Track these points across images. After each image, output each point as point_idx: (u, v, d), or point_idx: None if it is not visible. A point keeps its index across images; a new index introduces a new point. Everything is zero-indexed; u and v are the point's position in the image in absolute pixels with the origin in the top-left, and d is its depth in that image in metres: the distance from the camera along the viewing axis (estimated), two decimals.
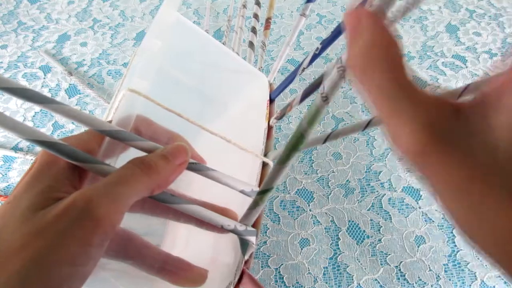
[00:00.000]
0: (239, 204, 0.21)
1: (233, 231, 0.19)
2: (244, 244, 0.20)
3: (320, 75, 0.22)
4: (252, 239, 0.19)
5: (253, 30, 0.32)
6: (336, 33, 0.21)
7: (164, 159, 0.18)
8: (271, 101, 0.30)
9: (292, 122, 0.52)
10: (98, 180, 0.18)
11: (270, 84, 0.32)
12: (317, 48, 0.23)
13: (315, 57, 0.23)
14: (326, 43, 0.22)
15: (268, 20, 0.30)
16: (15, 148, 0.49)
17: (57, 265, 0.14)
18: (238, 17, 0.43)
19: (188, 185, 0.22)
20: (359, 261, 0.41)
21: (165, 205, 0.18)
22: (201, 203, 0.20)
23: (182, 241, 0.27)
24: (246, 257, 0.20)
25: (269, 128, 0.28)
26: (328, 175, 0.47)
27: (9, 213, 0.16)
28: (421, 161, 0.11)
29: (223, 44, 0.49)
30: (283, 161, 0.17)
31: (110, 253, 0.19)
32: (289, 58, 0.61)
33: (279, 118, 0.26)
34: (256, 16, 0.33)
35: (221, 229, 0.20)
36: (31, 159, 0.48)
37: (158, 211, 0.21)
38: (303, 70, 0.25)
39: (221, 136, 0.22)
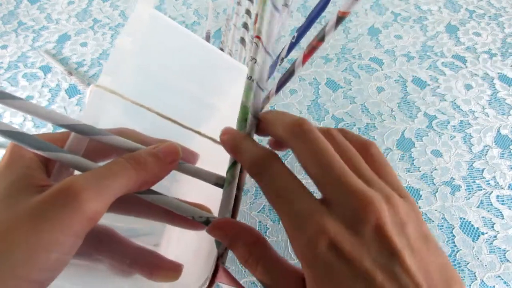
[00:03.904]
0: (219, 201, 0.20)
1: (206, 223, 0.19)
2: None
3: (292, 63, 0.22)
4: None
5: (245, 26, 0.32)
6: (311, 20, 0.21)
7: (154, 157, 0.18)
8: None
9: None
10: (64, 171, 0.18)
11: None
12: (293, 36, 0.23)
13: (292, 46, 0.24)
14: (302, 31, 0.22)
15: (256, 16, 0.30)
16: None
17: (44, 251, 0.14)
18: (233, 14, 0.43)
19: (164, 186, 0.22)
20: None
21: (135, 199, 0.18)
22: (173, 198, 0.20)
23: (175, 238, 0.26)
24: (220, 251, 0.20)
25: None
26: None
27: None
28: None
29: (222, 43, 0.49)
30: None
31: (82, 247, 0.19)
32: (289, 58, 0.61)
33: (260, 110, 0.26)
34: (248, 12, 0.33)
35: (194, 223, 0.19)
36: None
37: (130, 208, 0.21)
38: (282, 60, 0.25)
39: (192, 128, 0.22)
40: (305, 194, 0.16)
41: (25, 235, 0.14)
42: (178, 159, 0.19)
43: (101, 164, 0.18)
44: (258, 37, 0.25)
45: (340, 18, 0.17)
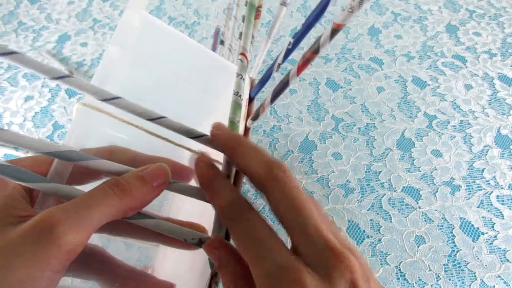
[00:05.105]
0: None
1: (199, 245, 0.18)
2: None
3: (287, 72, 0.22)
4: None
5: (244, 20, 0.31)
6: (307, 25, 0.20)
7: (141, 181, 0.17)
8: (251, 99, 0.29)
9: (292, 122, 0.52)
10: (48, 198, 0.18)
11: (253, 81, 0.31)
12: (290, 42, 0.22)
13: (288, 52, 0.23)
14: (298, 37, 0.22)
15: (258, 9, 0.29)
16: (16, 147, 0.49)
17: (17, 287, 0.14)
18: (234, 6, 0.42)
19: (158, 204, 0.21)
20: None
21: (126, 222, 0.18)
22: (164, 219, 0.19)
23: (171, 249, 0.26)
24: (214, 271, 0.19)
25: (246, 129, 0.26)
26: (328, 175, 0.47)
27: None
28: None
29: (222, 34, 0.49)
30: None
31: (72, 271, 0.18)
32: (289, 58, 0.61)
33: (255, 119, 0.25)
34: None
35: (185, 244, 0.18)
36: None
37: (120, 229, 0.20)
38: (278, 66, 0.24)
39: (183, 146, 0.21)
40: (281, 246, 0.16)
41: None
42: (167, 181, 0.18)
43: (89, 185, 0.17)
44: (243, 54, 0.25)
45: (335, 30, 0.17)
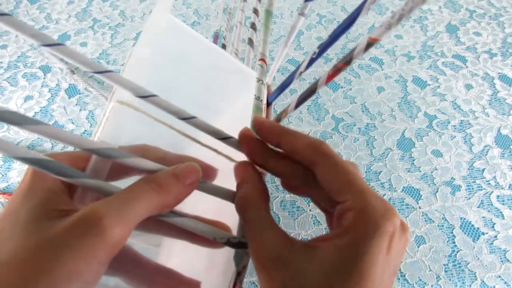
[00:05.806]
0: (234, 216, 0.20)
1: (227, 244, 0.19)
2: (237, 256, 0.19)
3: (315, 81, 0.22)
4: (246, 251, 0.19)
5: (253, 26, 0.30)
6: (334, 36, 0.21)
7: (175, 178, 0.18)
8: (268, 104, 0.29)
9: (292, 122, 0.52)
10: (88, 192, 0.18)
11: (268, 86, 0.31)
12: (314, 52, 0.22)
13: (312, 61, 0.23)
14: (324, 47, 0.22)
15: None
16: None
17: (65, 281, 0.14)
18: (238, 11, 0.42)
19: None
20: None
21: (157, 219, 0.18)
22: (193, 217, 0.20)
23: (179, 246, 0.26)
24: (240, 269, 0.20)
25: None
26: None
27: (8, 227, 0.15)
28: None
29: (224, 38, 0.49)
30: None
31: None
32: (289, 58, 0.61)
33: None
34: (256, 11, 0.31)
35: (214, 242, 0.19)
36: None
37: (151, 226, 0.20)
38: (300, 74, 0.24)
39: (211, 147, 0.21)
40: None
41: (46, 265, 0.14)
42: (198, 179, 0.19)
43: (122, 181, 0.18)
44: (262, 59, 0.25)
45: (370, 44, 0.17)
